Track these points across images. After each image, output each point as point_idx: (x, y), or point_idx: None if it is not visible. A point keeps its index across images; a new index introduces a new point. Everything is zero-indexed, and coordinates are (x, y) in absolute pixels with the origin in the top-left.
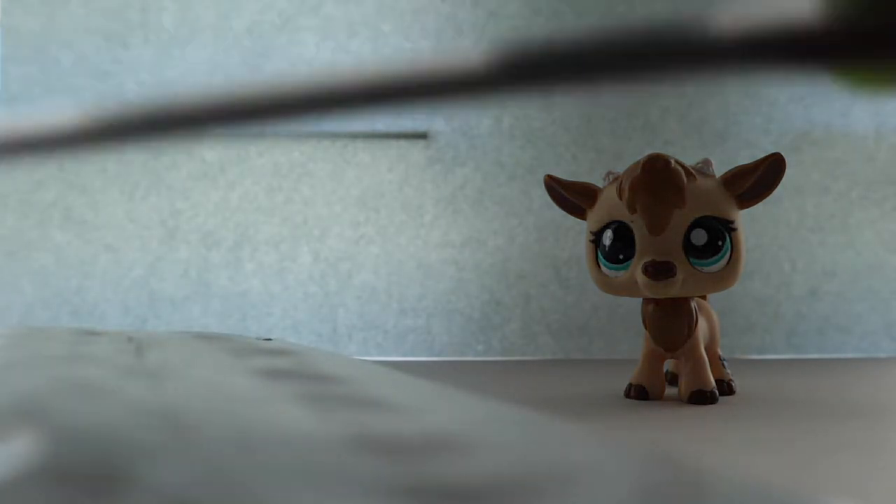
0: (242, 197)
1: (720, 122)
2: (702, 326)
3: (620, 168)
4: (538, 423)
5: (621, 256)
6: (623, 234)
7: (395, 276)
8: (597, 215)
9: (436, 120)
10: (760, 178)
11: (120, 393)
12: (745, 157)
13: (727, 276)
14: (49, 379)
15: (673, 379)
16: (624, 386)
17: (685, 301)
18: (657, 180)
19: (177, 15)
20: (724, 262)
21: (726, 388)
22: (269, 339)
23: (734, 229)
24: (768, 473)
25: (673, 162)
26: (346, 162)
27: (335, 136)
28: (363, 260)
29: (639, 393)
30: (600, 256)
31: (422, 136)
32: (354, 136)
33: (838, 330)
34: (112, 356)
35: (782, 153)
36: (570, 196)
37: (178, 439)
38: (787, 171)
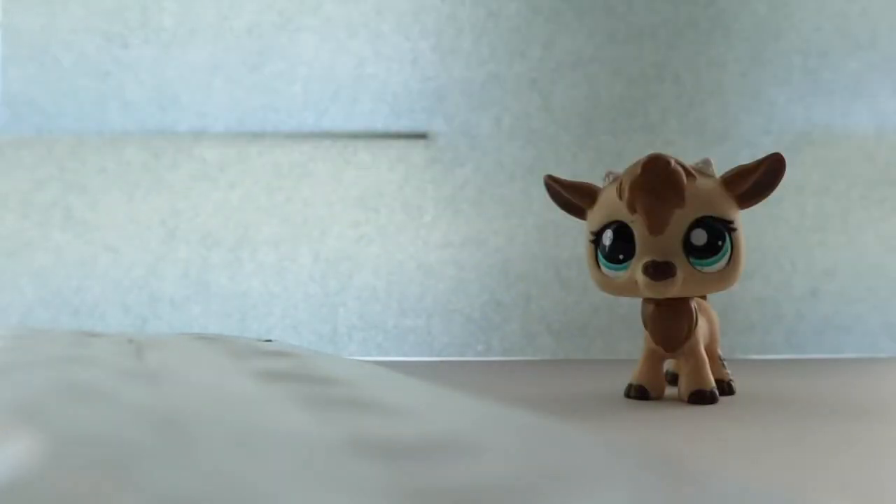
0: (242, 197)
1: (720, 122)
2: (702, 326)
3: (620, 168)
4: (537, 426)
5: (621, 256)
6: (623, 234)
7: (395, 276)
8: (597, 215)
9: (436, 120)
10: (760, 178)
11: (118, 395)
12: (745, 157)
13: (727, 276)
14: (48, 381)
15: (673, 379)
16: (624, 386)
17: (685, 301)
18: (657, 180)
19: (177, 15)
20: (724, 262)
21: (726, 388)
22: (270, 341)
23: (734, 229)
24: (768, 473)
25: (673, 162)
26: (346, 162)
27: (335, 136)
28: (363, 260)
29: (639, 393)
30: (600, 256)
31: (422, 136)
32: (354, 136)
33: (838, 330)
34: (112, 358)
35: (782, 153)
36: (570, 196)
37: (177, 442)
38: (787, 171)
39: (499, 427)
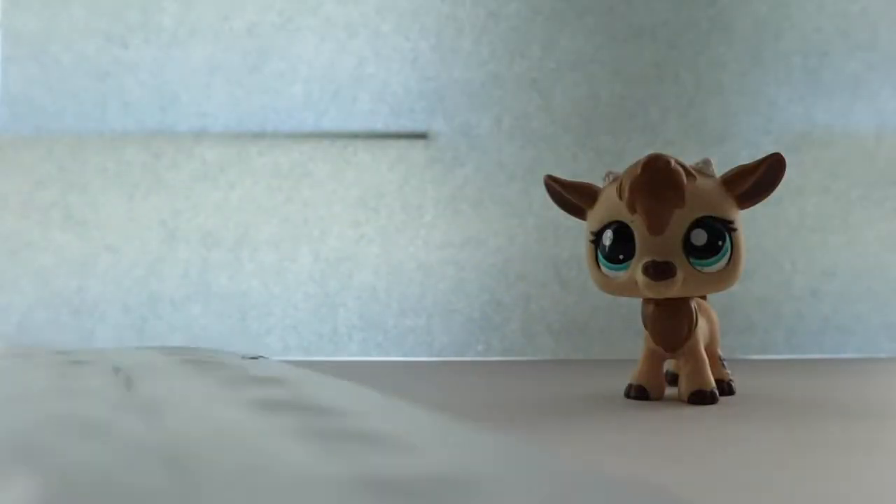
0: (242, 197)
1: (720, 122)
2: (702, 326)
3: (620, 168)
4: (550, 463)
5: (621, 256)
6: (623, 234)
7: (395, 276)
8: (597, 215)
9: (436, 120)
10: (760, 178)
11: (116, 430)
12: (745, 157)
13: (727, 276)
14: (42, 415)
15: (673, 379)
16: (624, 386)
17: (685, 301)
18: (657, 180)
19: (177, 15)
20: (724, 262)
21: (726, 388)
22: (257, 358)
23: (734, 229)
24: (768, 473)
25: (673, 162)
26: (346, 162)
27: (335, 136)
28: (363, 260)
29: (639, 393)
30: (600, 256)
31: (422, 136)
32: (354, 136)
33: (838, 330)
34: (101, 388)
35: (782, 153)
36: (570, 196)
37: (183, 481)
38: (787, 171)
39: (508, 463)
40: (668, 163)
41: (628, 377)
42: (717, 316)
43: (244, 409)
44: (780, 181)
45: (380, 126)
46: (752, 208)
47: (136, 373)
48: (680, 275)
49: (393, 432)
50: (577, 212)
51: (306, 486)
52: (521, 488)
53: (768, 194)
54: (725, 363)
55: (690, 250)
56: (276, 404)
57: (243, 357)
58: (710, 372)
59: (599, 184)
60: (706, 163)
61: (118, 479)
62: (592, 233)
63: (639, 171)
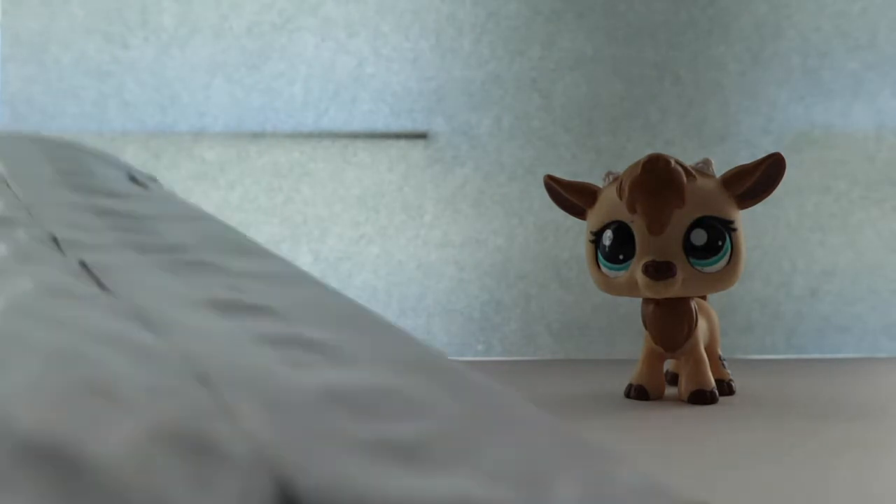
0: (242, 197)
1: (720, 122)
2: (702, 326)
3: (620, 168)
4: (474, 378)
5: (621, 256)
6: (623, 234)
7: (395, 276)
8: (597, 215)
9: (436, 120)
10: (760, 178)
11: (133, 343)
12: (745, 157)
13: (727, 276)
14: (74, 333)
15: (673, 379)
16: (624, 386)
17: (685, 301)
18: (657, 180)
19: (177, 15)
20: (724, 262)
21: (726, 388)
22: (146, 186)
23: (734, 229)
24: (768, 473)
25: (673, 162)
26: (346, 162)
27: (335, 135)
28: (363, 260)
29: (639, 393)
30: (600, 256)
31: (422, 136)
32: (354, 136)
33: (838, 330)
34: (76, 288)
35: (782, 153)
36: (570, 196)
37: (217, 395)
38: (787, 171)
39: (440, 377)
40: (668, 163)
41: (628, 377)
42: (717, 316)
43: (209, 312)
44: (779, 181)
45: (380, 126)
46: (752, 208)
47: (86, 255)
48: (680, 275)
49: (335, 342)
50: (577, 212)
51: (292, 393)
52: (447, 398)
53: (768, 194)
54: (725, 363)
55: (690, 250)
56: (229, 305)
57: (130, 179)
58: (710, 372)
59: (599, 184)
60: (706, 163)
61: (166, 390)
62: (592, 233)
63: (639, 171)
